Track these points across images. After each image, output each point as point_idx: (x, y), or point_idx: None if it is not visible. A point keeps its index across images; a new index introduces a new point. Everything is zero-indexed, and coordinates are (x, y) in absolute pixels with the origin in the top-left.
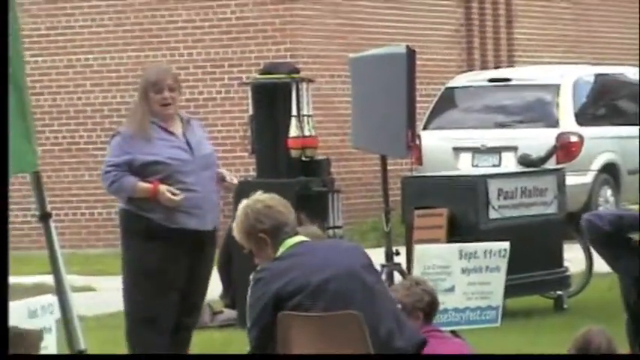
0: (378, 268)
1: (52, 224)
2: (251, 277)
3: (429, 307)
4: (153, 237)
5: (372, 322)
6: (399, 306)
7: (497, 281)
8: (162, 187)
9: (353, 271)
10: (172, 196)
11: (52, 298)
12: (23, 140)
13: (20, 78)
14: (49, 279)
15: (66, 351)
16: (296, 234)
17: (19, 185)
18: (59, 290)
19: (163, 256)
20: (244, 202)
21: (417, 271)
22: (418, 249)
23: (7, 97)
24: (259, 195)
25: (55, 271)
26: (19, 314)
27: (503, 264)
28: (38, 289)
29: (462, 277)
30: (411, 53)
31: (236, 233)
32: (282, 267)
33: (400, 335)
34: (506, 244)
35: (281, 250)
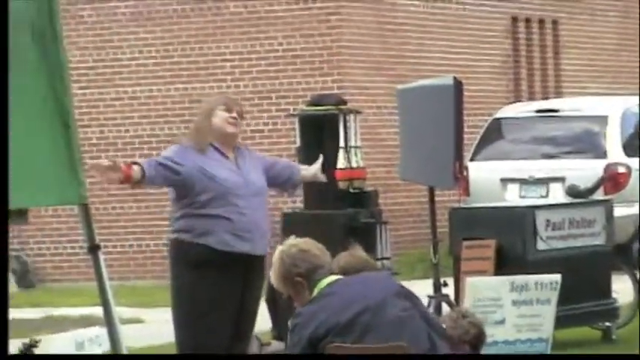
0: (426, 299)
1: (101, 256)
2: (289, 323)
3: (475, 340)
4: (204, 264)
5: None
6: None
7: (548, 313)
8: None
9: (382, 302)
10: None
11: (99, 330)
12: (69, 171)
13: (68, 110)
14: (97, 311)
15: None
16: (331, 274)
17: (66, 217)
18: (108, 322)
19: (215, 282)
20: (279, 248)
21: (467, 303)
22: (469, 281)
23: (7, 105)
24: (293, 240)
25: (104, 303)
26: (66, 346)
27: (554, 296)
28: (86, 321)
29: (513, 310)
30: (458, 84)
31: (273, 280)
32: (313, 310)
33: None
34: (557, 277)
35: (315, 291)
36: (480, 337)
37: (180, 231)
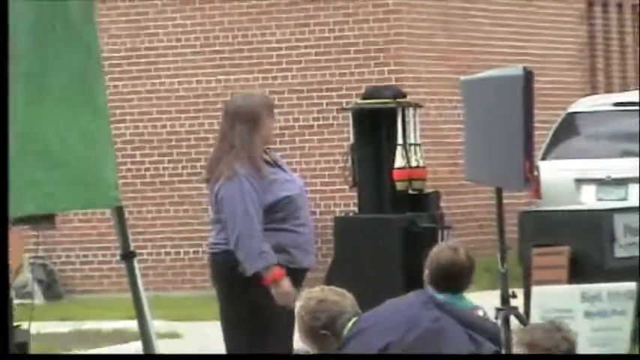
0: (493, 312)
1: (136, 264)
2: None
3: (564, 356)
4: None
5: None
6: (523, 350)
7: (625, 326)
8: (287, 279)
9: (412, 319)
10: (289, 292)
11: (139, 346)
12: (101, 171)
13: (101, 104)
14: (131, 324)
15: None
16: (356, 314)
17: (97, 222)
18: (144, 336)
19: (272, 298)
20: (297, 306)
21: (534, 315)
22: (536, 290)
23: (7, 105)
24: (310, 291)
25: (139, 316)
26: None
27: (631, 307)
28: (120, 336)
29: (586, 322)
30: (528, 75)
31: (301, 339)
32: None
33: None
34: (633, 285)
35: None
36: (571, 352)
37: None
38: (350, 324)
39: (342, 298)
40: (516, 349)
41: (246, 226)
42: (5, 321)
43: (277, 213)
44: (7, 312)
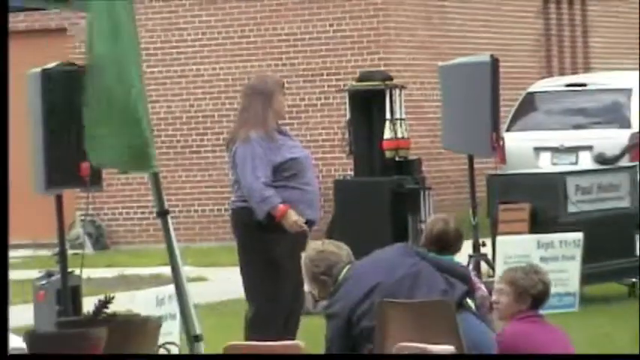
0: (466, 258)
1: (170, 220)
2: (323, 313)
3: (540, 295)
4: (276, 229)
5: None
6: (504, 286)
7: (573, 269)
8: (291, 211)
9: (392, 266)
10: (297, 220)
11: (170, 288)
12: (143, 143)
13: (141, 87)
14: (165, 270)
15: (184, 335)
16: (350, 263)
17: (137, 185)
18: (176, 280)
19: (285, 246)
20: (302, 255)
21: (499, 261)
22: (500, 240)
23: (7, 105)
24: (313, 244)
25: (173, 263)
26: (148, 302)
27: (578, 253)
28: (156, 280)
29: (541, 266)
30: (495, 62)
31: (306, 283)
32: (338, 296)
33: (452, 291)
34: (579, 235)
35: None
36: (545, 294)
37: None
38: (345, 270)
39: (339, 249)
40: (497, 286)
41: (254, 179)
42: (5, 321)
43: (285, 172)
44: (6, 312)
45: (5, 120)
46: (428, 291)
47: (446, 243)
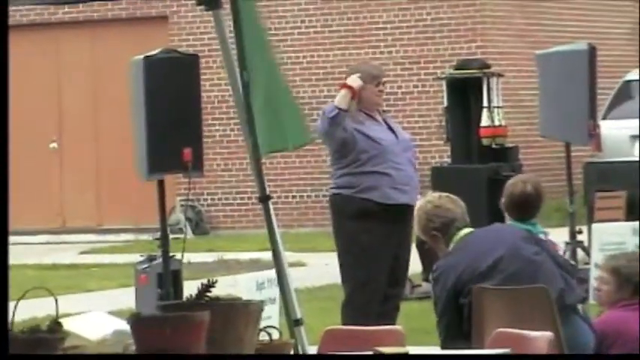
0: (563, 246)
1: (271, 206)
2: (430, 276)
3: None
4: (369, 216)
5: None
6: (606, 275)
7: None
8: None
9: (515, 248)
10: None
11: (270, 273)
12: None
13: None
14: (264, 255)
15: (283, 320)
16: (465, 226)
17: (236, 171)
18: (277, 265)
19: (379, 233)
20: (418, 204)
21: (594, 248)
22: (595, 227)
23: (7, 99)
24: (430, 195)
25: (274, 248)
26: (248, 286)
27: None
28: (255, 264)
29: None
30: (592, 50)
31: (417, 232)
32: (453, 262)
33: (570, 293)
34: None
35: (452, 245)
36: None
37: (343, 187)
38: (462, 233)
39: (455, 206)
40: (599, 274)
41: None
42: (5, 321)
43: (362, 154)
44: (6, 312)
45: (5, 118)
46: (547, 285)
47: (526, 207)
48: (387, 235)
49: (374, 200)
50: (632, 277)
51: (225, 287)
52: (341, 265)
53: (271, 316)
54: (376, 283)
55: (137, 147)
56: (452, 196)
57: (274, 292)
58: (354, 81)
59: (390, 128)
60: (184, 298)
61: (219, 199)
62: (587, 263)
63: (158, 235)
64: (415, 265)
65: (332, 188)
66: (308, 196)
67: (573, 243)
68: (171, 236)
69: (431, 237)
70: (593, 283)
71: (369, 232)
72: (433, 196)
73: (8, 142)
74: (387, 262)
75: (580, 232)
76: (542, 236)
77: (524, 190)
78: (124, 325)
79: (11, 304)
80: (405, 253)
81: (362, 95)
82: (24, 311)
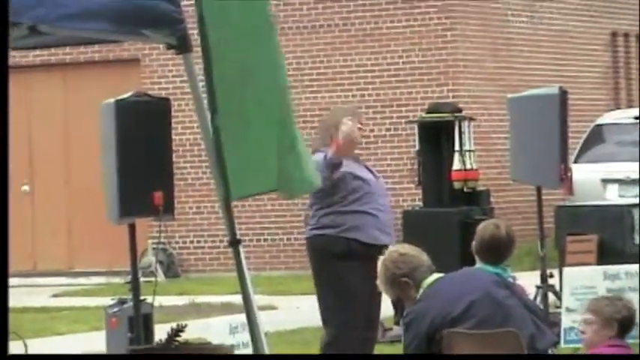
0: (534, 290)
1: (242, 249)
2: (401, 322)
3: (625, 320)
4: (353, 256)
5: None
6: (589, 316)
7: (636, 300)
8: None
9: (487, 292)
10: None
11: (241, 317)
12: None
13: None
14: (235, 298)
15: None
16: (432, 273)
17: (207, 214)
18: (247, 309)
19: (361, 273)
20: (381, 258)
21: (566, 292)
22: (567, 271)
23: (7, 99)
24: (392, 247)
25: (244, 291)
26: (221, 330)
27: None
28: (227, 308)
29: None
30: (563, 94)
31: (381, 286)
32: (425, 308)
33: (541, 338)
34: None
35: (420, 291)
36: (631, 320)
37: (328, 227)
38: (431, 279)
39: (420, 254)
40: (582, 317)
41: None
42: (5, 321)
43: (350, 194)
44: (6, 312)
45: (5, 118)
46: (518, 330)
47: (498, 250)
48: (367, 275)
49: (360, 240)
50: (615, 314)
51: (197, 331)
52: (324, 307)
53: None
54: (357, 324)
55: (108, 191)
56: (415, 247)
57: (247, 335)
58: (352, 131)
59: (368, 169)
60: (155, 342)
61: (191, 241)
62: (559, 307)
63: (129, 278)
64: (386, 308)
65: (313, 229)
66: (280, 239)
67: (544, 287)
68: (142, 279)
69: (400, 285)
70: (566, 326)
71: (354, 273)
72: (396, 246)
73: (8, 142)
74: (367, 303)
75: (551, 275)
76: (510, 280)
77: (494, 233)
78: None
79: None
80: (378, 293)
81: (344, 130)
82: None
